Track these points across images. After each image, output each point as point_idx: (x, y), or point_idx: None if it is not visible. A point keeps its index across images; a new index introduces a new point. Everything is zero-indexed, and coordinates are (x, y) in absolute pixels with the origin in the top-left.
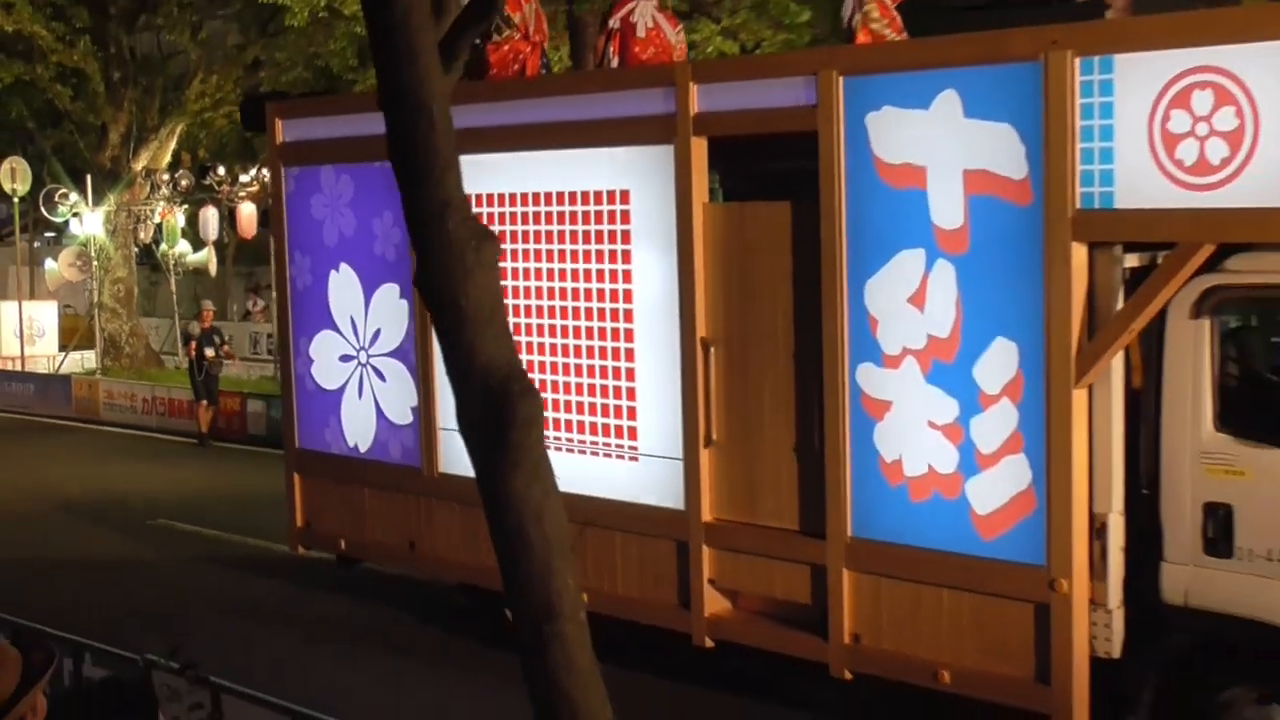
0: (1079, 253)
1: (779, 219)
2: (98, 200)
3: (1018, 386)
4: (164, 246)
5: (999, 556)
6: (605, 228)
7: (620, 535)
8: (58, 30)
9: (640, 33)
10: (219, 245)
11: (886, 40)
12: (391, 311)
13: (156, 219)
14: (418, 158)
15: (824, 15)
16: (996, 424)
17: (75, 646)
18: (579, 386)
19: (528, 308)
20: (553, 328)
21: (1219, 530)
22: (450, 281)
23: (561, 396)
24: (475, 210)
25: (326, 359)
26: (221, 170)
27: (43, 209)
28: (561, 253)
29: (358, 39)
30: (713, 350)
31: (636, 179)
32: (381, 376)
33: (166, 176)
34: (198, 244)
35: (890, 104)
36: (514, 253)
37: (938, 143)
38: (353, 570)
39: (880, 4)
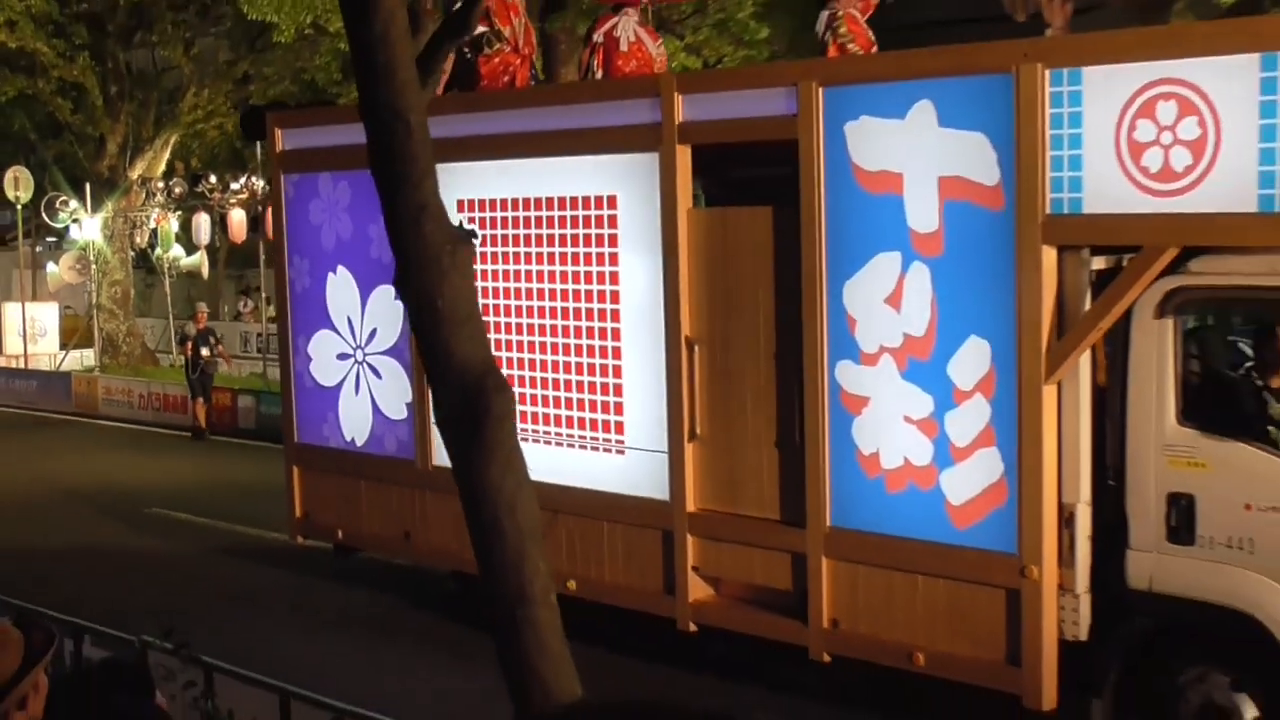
0: (1049, 255)
1: (760, 224)
2: (96, 207)
3: (990, 383)
4: (159, 251)
5: (972, 545)
6: (594, 231)
7: (608, 525)
8: (58, 47)
9: (623, 46)
10: (211, 249)
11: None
12: (387, 312)
13: (152, 224)
14: (396, 165)
15: (782, 32)
16: (970, 419)
17: (75, 628)
18: (568, 384)
19: (520, 308)
20: (543, 327)
21: (1182, 519)
22: (427, 283)
23: (551, 393)
24: (472, 214)
25: (324, 357)
26: (213, 178)
27: (44, 215)
28: (552, 255)
29: (341, 54)
30: (697, 349)
31: (624, 185)
32: (377, 374)
33: (161, 184)
34: (191, 248)
35: (868, 114)
36: (507, 255)
37: (913, 151)
38: (350, 559)
39: (850, 19)
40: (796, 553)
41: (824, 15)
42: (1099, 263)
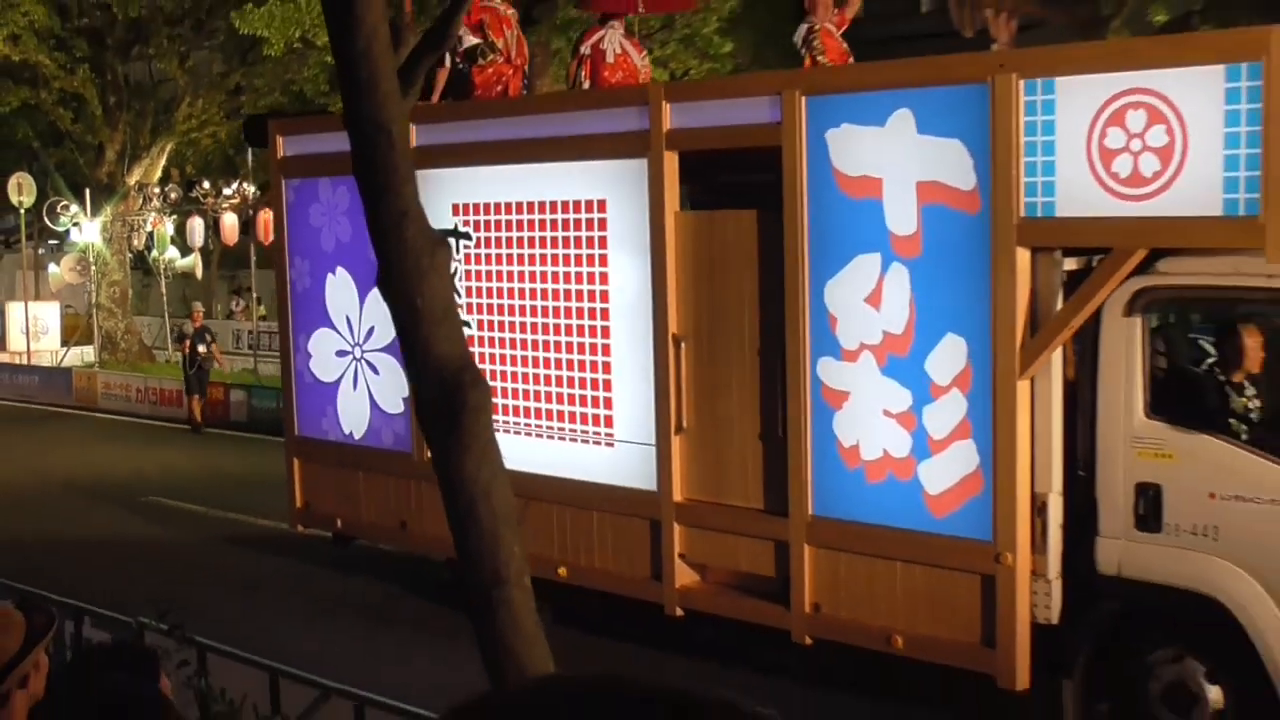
0: (1023, 257)
1: (745, 226)
2: (95, 211)
3: (966, 378)
4: (155, 253)
5: (949, 533)
6: (584, 234)
7: (598, 514)
8: (59, 60)
9: (609, 58)
10: (204, 251)
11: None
12: (384, 311)
13: (148, 228)
14: (378, 173)
15: (745, 46)
16: (947, 412)
17: (75, 611)
18: (560, 379)
19: (513, 307)
20: (536, 325)
21: (1149, 508)
22: (408, 283)
23: (543, 388)
24: (467, 218)
25: (324, 354)
26: (207, 184)
27: (46, 219)
28: (544, 257)
29: (328, 67)
30: (683, 345)
31: (613, 189)
32: (375, 370)
33: (157, 190)
34: (185, 250)
35: (849, 121)
36: (501, 257)
37: (893, 157)
38: (348, 547)
39: (826, 34)
40: (780, 541)
41: (802, 29)
42: (1070, 264)
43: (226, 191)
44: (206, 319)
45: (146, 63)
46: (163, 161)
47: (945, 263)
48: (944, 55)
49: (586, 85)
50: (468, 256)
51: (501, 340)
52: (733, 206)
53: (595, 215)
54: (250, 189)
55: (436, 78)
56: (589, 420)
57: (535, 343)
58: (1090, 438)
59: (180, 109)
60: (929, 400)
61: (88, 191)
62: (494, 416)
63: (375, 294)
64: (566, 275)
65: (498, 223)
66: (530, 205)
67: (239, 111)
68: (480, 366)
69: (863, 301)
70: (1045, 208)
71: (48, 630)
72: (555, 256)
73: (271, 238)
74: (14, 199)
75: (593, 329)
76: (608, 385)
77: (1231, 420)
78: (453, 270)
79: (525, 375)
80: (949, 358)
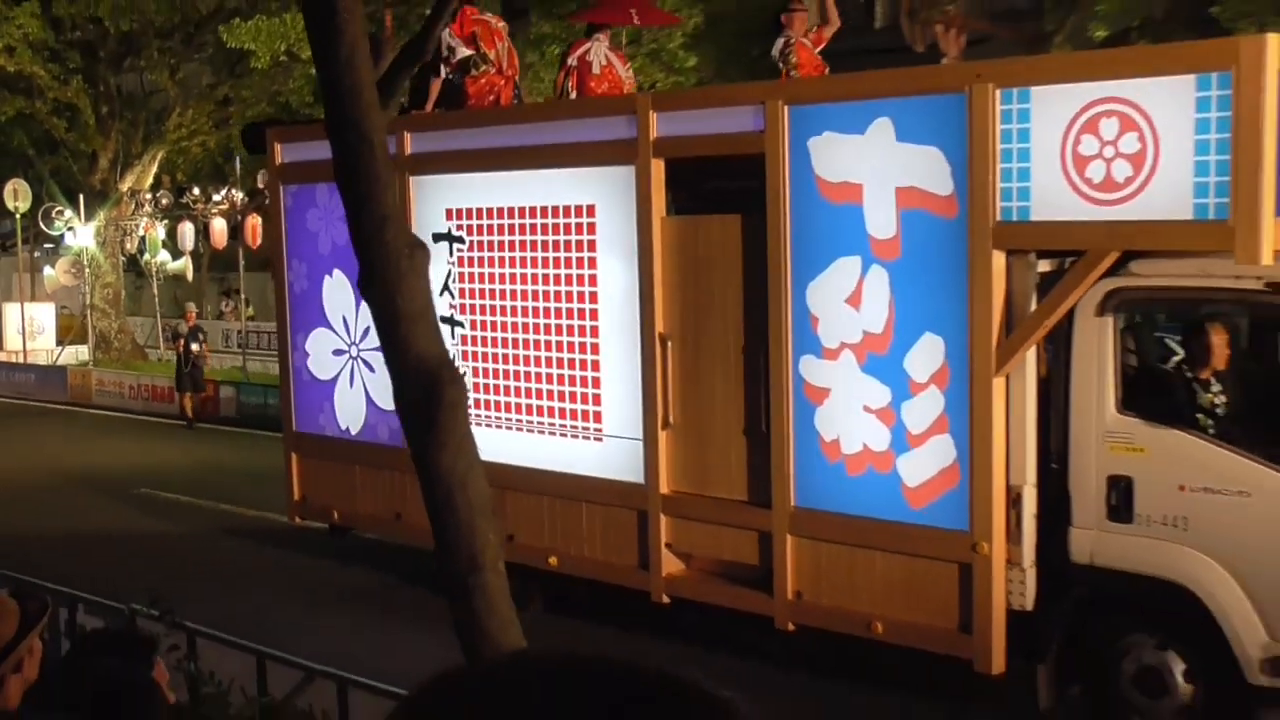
0: (998, 259)
1: (730, 230)
2: (89, 216)
3: (944, 376)
4: (147, 256)
5: (927, 523)
6: (574, 238)
7: (587, 506)
8: (54, 71)
9: (595, 69)
10: (195, 254)
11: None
12: None
13: (140, 232)
14: (360, 180)
15: (708, 61)
16: (925, 408)
17: (69, 598)
18: (550, 377)
19: (505, 308)
20: (527, 325)
21: (1121, 499)
22: (389, 284)
23: (534, 386)
24: (460, 222)
25: (321, 353)
26: (197, 191)
27: (41, 224)
28: (535, 259)
29: (313, 79)
30: (670, 344)
31: (602, 195)
32: (371, 368)
33: (149, 196)
34: (176, 254)
35: (830, 130)
36: (494, 259)
37: (873, 163)
38: (344, 538)
39: (800, 47)
40: (763, 531)
41: (779, 42)
42: (1044, 266)
43: (216, 198)
44: (197, 319)
45: (138, 74)
46: (154, 169)
47: (923, 265)
48: (919, 67)
49: (574, 95)
50: (461, 259)
51: (494, 340)
52: (718, 211)
53: (585, 220)
54: (239, 195)
55: (431, 88)
56: (579, 416)
57: (527, 342)
58: (1063, 432)
59: (171, 119)
60: (907, 397)
61: (82, 197)
62: (488, 413)
63: None
64: (557, 277)
65: (490, 227)
66: (522, 210)
67: (227, 121)
68: (474, 365)
69: (843, 302)
70: (1021, 212)
71: (41, 617)
72: (546, 259)
73: (259, 242)
74: (10, 204)
75: (582, 329)
76: (597, 383)
77: (1199, 415)
78: (446, 272)
79: (517, 373)
80: (927, 356)
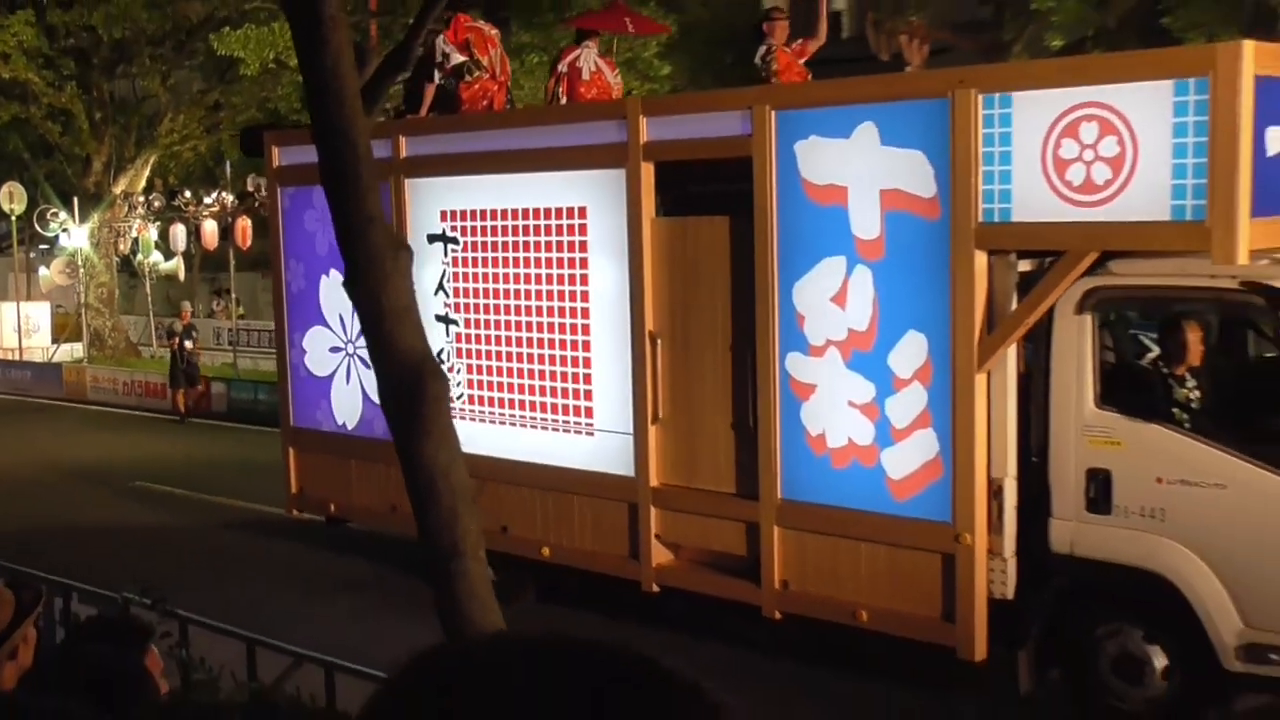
0: (980, 259)
1: (718, 231)
2: (83, 218)
3: (927, 372)
4: (140, 256)
5: (911, 515)
6: (566, 239)
7: (579, 498)
8: (48, 77)
9: (585, 76)
10: (186, 255)
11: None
12: None
13: (133, 233)
14: (346, 182)
15: (681, 70)
16: (908, 403)
17: (64, 588)
18: (543, 373)
19: (498, 307)
20: (520, 324)
21: (1099, 491)
22: (374, 283)
23: (528, 382)
24: (455, 223)
25: (318, 350)
26: (188, 193)
27: (36, 226)
28: (528, 260)
29: (300, 86)
30: (659, 342)
31: (594, 197)
32: (367, 365)
33: (141, 198)
34: (168, 254)
35: (816, 134)
36: (488, 260)
37: (858, 167)
38: (341, 529)
39: (781, 54)
40: (750, 522)
41: (761, 49)
42: (1024, 265)
43: (207, 200)
44: (190, 318)
45: (130, 81)
46: (146, 172)
47: (907, 265)
48: (901, 72)
49: (564, 100)
50: (456, 259)
51: (488, 338)
52: (706, 213)
53: (576, 221)
54: (229, 198)
55: (426, 93)
56: (571, 411)
57: (520, 339)
58: (1043, 426)
59: (163, 124)
60: (891, 392)
61: (76, 200)
62: (483, 409)
63: None
64: (549, 277)
65: (485, 228)
66: (515, 212)
67: (218, 126)
68: (469, 362)
69: (829, 301)
70: (1002, 214)
71: (36, 605)
72: (539, 260)
73: (249, 243)
74: (6, 207)
75: (574, 327)
76: (588, 379)
77: (1176, 410)
78: (441, 272)
79: (511, 370)
80: (911, 353)
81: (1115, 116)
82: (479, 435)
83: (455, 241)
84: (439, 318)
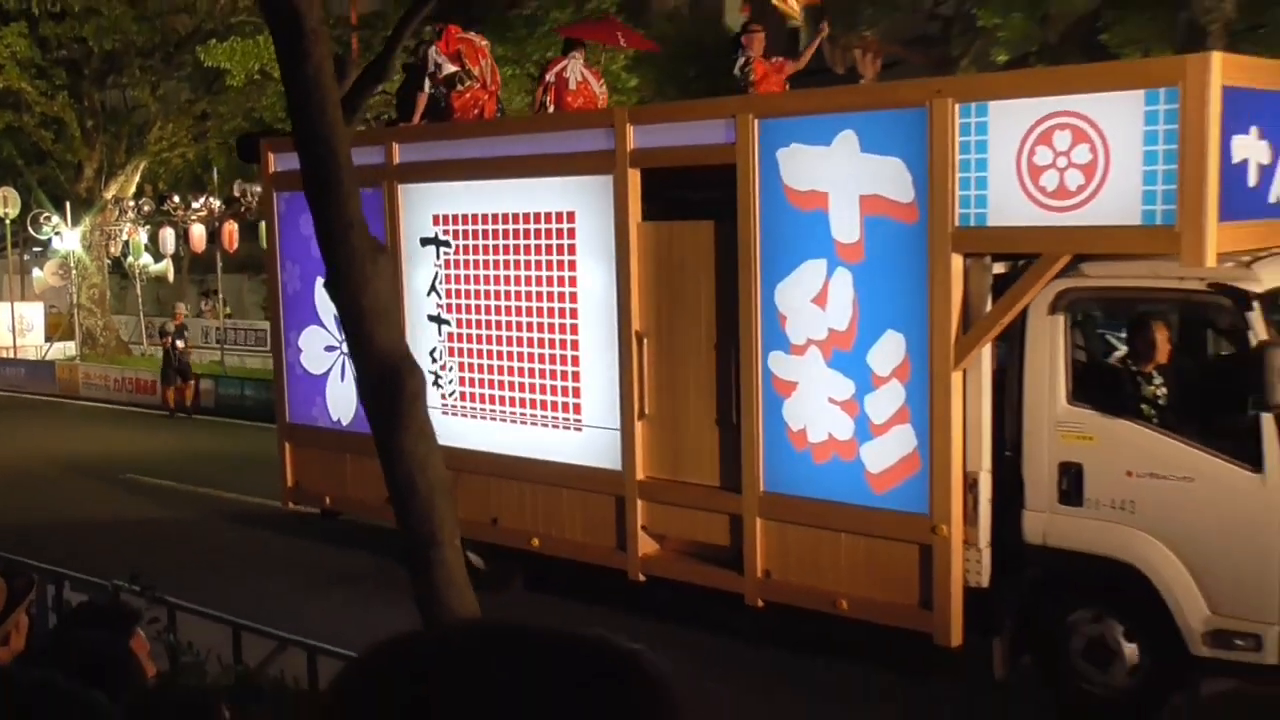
0: (956, 262)
1: (703, 235)
2: (75, 222)
3: (905, 370)
4: (130, 259)
5: (889, 507)
6: (555, 243)
7: (568, 491)
8: (41, 87)
9: (572, 85)
10: (175, 257)
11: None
12: None
13: (124, 237)
14: (328, 189)
15: (648, 82)
16: (887, 400)
17: (56, 575)
18: (533, 371)
19: (489, 308)
20: (511, 324)
21: (1071, 484)
22: (354, 285)
23: (518, 380)
24: (447, 227)
25: (313, 349)
26: (177, 198)
27: (30, 229)
28: (518, 263)
29: (284, 96)
30: (646, 341)
31: (582, 202)
32: None
33: (132, 203)
34: (158, 256)
35: (798, 141)
36: (479, 262)
37: (838, 173)
38: (335, 521)
39: (759, 64)
40: (734, 514)
41: (739, 60)
42: (999, 268)
43: (195, 205)
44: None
45: (121, 90)
46: (136, 178)
47: (886, 267)
48: (882, 83)
49: (551, 109)
50: (448, 262)
51: (480, 338)
52: (691, 218)
53: (565, 225)
54: (216, 203)
55: (418, 102)
56: (560, 408)
57: (511, 339)
58: (1017, 422)
59: (152, 132)
60: (870, 389)
61: (68, 204)
62: (475, 405)
63: None
64: (539, 279)
65: (476, 232)
66: (505, 216)
67: (205, 135)
68: (460, 361)
69: (810, 302)
70: (978, 218)
71: (28, 593)
72: (529, 262)
73: (235, 245)
74: (0, 211)
75: (563, 327)
76: (576, 377)
77: (1144, 406)
78: (434, 274)
79: (501, 369)
80: (889, 352)
81: (1088, 125)
82: (471, 431)
83: (447, 245)
84: (431, 318)
